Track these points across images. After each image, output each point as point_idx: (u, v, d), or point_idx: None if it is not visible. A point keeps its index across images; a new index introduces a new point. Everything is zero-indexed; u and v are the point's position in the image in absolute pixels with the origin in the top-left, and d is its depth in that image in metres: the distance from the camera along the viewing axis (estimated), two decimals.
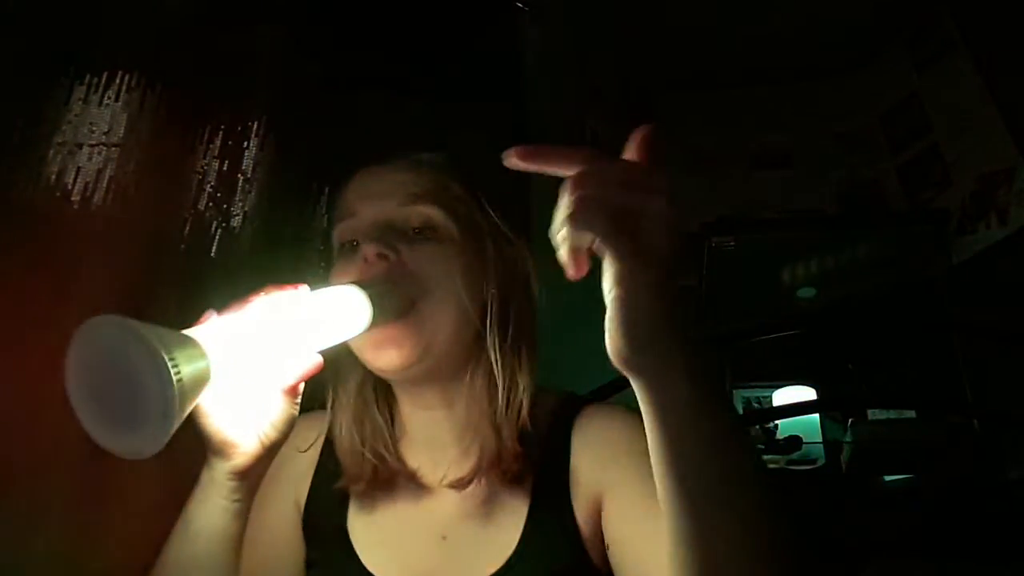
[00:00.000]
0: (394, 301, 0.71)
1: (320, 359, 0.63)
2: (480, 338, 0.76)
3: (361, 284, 0.68)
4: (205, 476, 0.64)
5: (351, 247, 0.77)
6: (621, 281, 0.49)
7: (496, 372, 0.76)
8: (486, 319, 0.76)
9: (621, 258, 0.49)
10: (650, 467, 0.54)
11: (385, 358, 0.73)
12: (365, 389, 0.81)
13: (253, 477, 0.65)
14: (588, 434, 0.78)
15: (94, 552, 0.82)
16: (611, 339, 0.51)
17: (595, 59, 2.58)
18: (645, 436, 0.54)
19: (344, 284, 0.71)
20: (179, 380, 0.46)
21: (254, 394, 0.62)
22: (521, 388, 0.76)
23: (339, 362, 0.78)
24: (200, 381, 0.50)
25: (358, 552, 0.77)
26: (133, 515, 0.85)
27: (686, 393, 0.51)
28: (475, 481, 0.75)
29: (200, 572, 0.66)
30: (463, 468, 0.76)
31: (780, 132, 2.89)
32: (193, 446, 0.61)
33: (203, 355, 0.50)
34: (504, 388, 0.76)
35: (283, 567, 0.80)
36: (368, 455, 0.77)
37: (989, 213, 2.29)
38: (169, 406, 0.46)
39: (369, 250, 0.73)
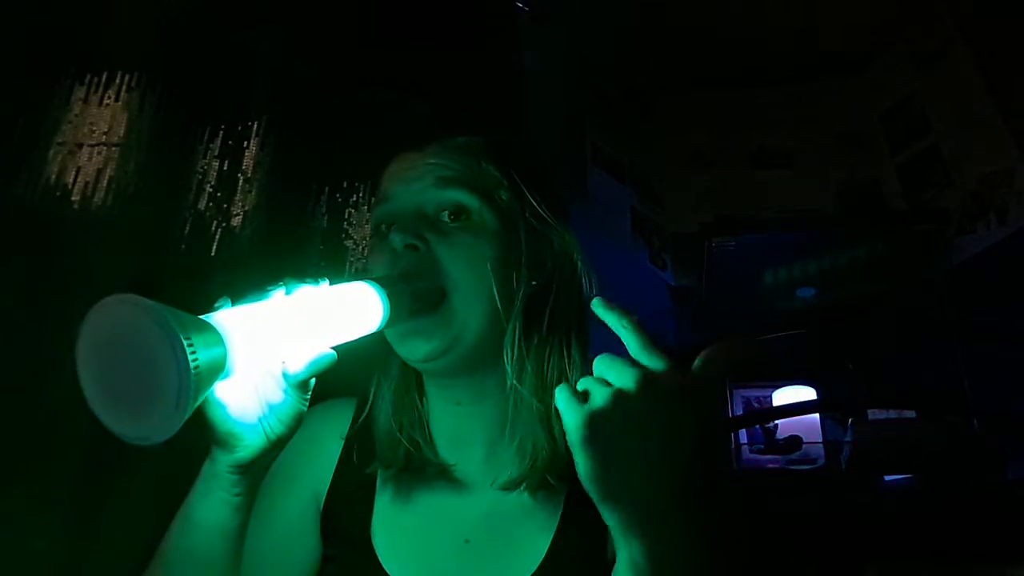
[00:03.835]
0: (418, 296, 0.69)
1: (333, 355, 0.61)
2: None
3: (381, 280, 0.66)
4: (207, 468, 0.62)
5: (385, 232, 0.76)
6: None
7: (510, 368, 0.72)
8: (512, 310, 0.72)
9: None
10: None
11: (411, 349, 0.73)
12: (408, 377, 0.80)
13: (255, 471, 0.63)
14: None
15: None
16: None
17: (595, 59, 2.58)
18: None
19: (376, 272, 0.70)
20: (196, 366, 0.44)
21: (263, 386, 0.61)
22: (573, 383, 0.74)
23: (384, 349, 0.77)
24: (215, 369, 0.47)
25: (377, 551, 0.75)
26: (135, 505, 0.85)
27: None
28: (524, 483, 0.72)
29: (198, 564, 0.64)
30: (513, 469, 0.73)
31: (780, 132, 2.88)
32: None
33: (220, 342, 0.47)
34: (552, 384, 0.72)
35: (297, 558, 0.79)
36: (404, 441, 0.76)
37: (989, 213, 2.28)
38: (184, 393, 0.43)
39: (397, 240, 0.72)
